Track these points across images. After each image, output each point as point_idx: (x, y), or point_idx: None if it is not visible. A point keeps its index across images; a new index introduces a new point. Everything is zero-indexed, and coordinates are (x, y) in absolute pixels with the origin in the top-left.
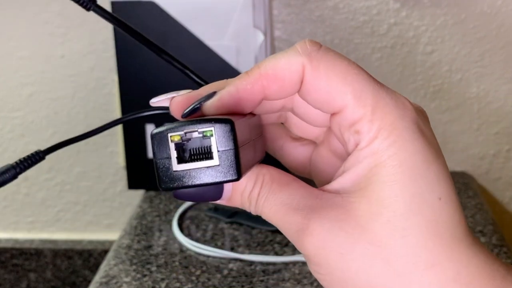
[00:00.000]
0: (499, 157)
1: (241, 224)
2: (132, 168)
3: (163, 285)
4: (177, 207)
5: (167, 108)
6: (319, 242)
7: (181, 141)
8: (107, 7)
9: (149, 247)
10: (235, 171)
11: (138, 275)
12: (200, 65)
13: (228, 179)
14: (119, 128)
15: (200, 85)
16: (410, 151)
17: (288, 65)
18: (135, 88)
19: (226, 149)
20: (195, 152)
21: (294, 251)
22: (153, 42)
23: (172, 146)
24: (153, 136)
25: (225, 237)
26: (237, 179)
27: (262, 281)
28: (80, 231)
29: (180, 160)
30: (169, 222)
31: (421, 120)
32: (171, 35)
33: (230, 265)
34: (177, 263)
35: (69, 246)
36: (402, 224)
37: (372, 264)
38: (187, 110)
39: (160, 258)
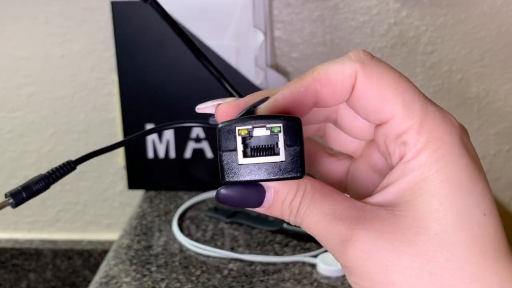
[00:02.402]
0: (499, 157)
1: (241, 224)
2: (132, 168)
3: (163, 285)
4: (177, 207)
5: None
6: (363, 253)
7: (248, 135)
8: (107, 7)
9: (149, 247)
10: (299, 168)
11: (138, 275)
12: (200, 65)
13: (292, 176)
14: (119, 128)
15: (233, 96)
16: (457, 167)
17: (342, 70)
18: (135, 88)
19: (292, 146)
20: (260, 147)
21: (294, 251)
22: (195, 45)
23: (239, 139)
24: (220, 129)
25: (225, 237)
26: (301, 177)
27: (262, 281)
28: (80, 231)
29: (245, 154)
30: (169, 222)
31: (465, 138)
32: (171, 35)
33: (230, 265)
34: (177, 263)
35: (69, 246)
36: (449, 238)
37: (418, 277)
38: (241, 113)
39: (160, 258)
